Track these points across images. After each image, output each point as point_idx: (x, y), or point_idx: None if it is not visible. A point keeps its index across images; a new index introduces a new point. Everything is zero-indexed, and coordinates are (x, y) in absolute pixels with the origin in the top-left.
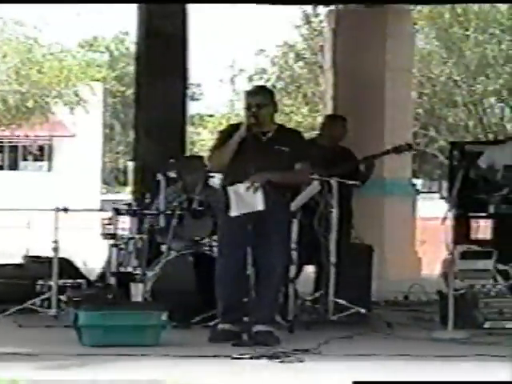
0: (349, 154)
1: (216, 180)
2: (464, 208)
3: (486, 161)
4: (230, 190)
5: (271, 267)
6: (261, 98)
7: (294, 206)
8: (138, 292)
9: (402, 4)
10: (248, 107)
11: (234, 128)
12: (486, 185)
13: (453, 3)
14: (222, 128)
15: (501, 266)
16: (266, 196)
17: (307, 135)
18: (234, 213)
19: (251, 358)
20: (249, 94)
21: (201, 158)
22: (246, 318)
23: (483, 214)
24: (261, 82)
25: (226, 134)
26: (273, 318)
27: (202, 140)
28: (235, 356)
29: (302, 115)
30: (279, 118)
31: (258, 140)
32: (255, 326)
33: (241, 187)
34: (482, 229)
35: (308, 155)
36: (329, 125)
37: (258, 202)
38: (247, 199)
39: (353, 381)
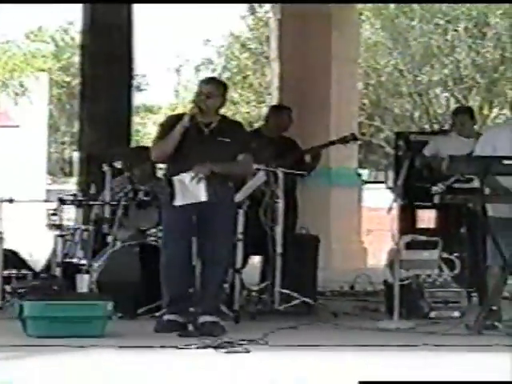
0: (293, 145)
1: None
2: (410, 198)
3: (430, 150)
4: (175, 179)
5: (216, 258)
6: (212, 88)
7: (239, 196)
8: (83, 283)
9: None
10: (198, 94)
11: (176, 118)
12: (431, 174)
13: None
14: (163, 118)
15: (446, 256)
16: (210, 187)
17: (254, 126)
18: (178, 202)
19: (197, 349)
20: (202, 82)
21: (147, 148)
22: (192, 309)
23: (428, 204)
24: (207, 73)
25: (168, 125)
26: (218, 308)
27: (148, 132)
28: (181, 346)
29: (249, 105)
30: (225, 109)
31: (201, 131)
32: (201, 316)
33: (186, 177)
34: (428, 218)
35: (250, 146)
36: (273, 115)
37: (201, 192)
38: (191, 189)
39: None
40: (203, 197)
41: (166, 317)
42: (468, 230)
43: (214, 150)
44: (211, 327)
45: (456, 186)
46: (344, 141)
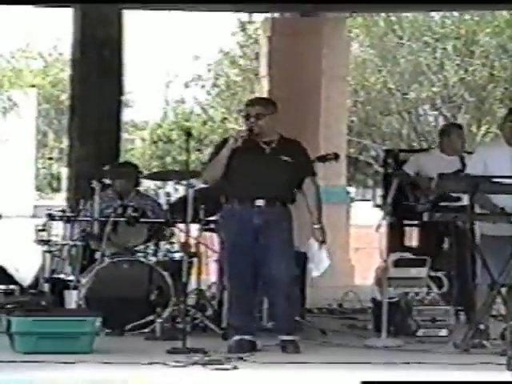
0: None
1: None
2: (398, 215)
3: (411, 167)
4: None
5: (277, 276)
6: (260, 109)
7: None
8: (71, 299)
9: (337, 13)
10: (246, 118)
11: (225, 141)
12: (413, 192)
13: (387, 12)
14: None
15: (434, 274)
16: (269, 208)
17: None
18: (315, 274)
19: (185, 366)
20: (247, 104)
21: (134, 164)
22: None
23: (415, 222)
24: (196, 88)
25: (218, 148)
26: (293, 326)
27: (133, 148)
28: (169, 363)
29: (237, 122)
30: (211, 125)
31: (262, 151)
32: (279, 335)
33: (312, 245)
34: (416, 236)
35: (313, 169)
36: None
37: (325, 258)
38: (321, 257)
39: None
40: (327, 262)
41: (236, 337)
42: (456, 248)
43: (276, 169)
44: (290, 346)
45: (442, 204)
46: (324, 159)
